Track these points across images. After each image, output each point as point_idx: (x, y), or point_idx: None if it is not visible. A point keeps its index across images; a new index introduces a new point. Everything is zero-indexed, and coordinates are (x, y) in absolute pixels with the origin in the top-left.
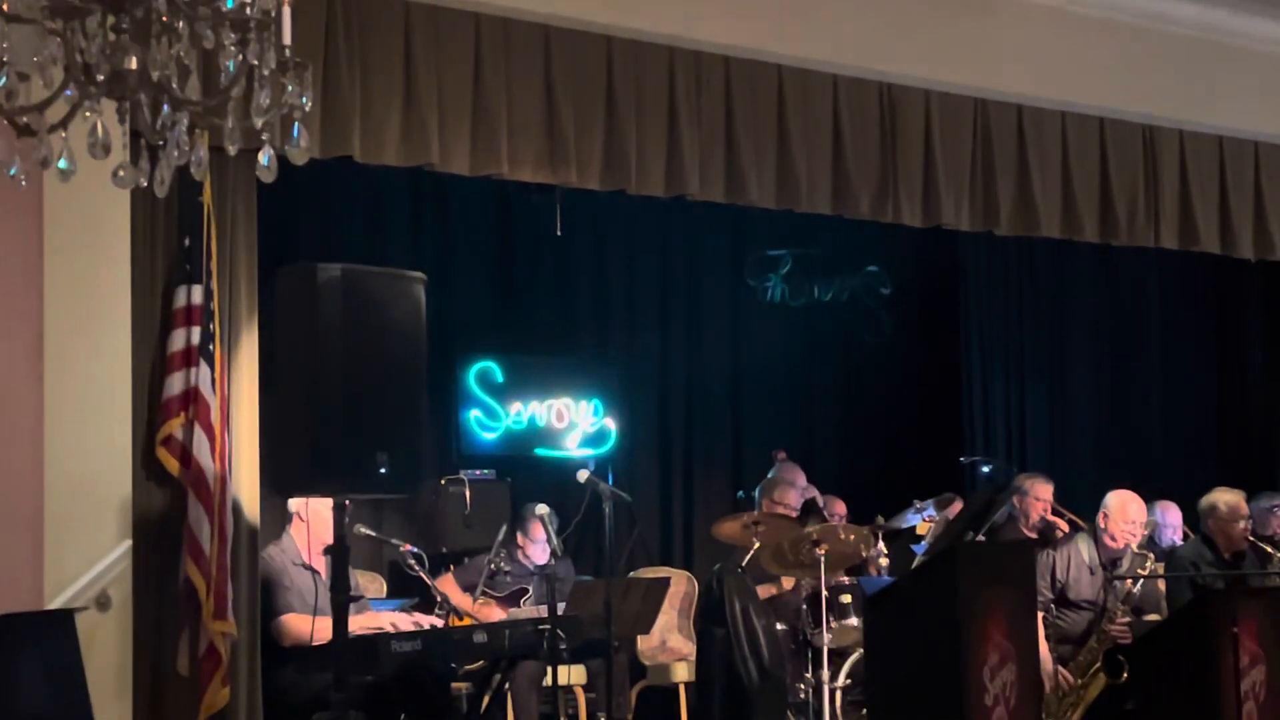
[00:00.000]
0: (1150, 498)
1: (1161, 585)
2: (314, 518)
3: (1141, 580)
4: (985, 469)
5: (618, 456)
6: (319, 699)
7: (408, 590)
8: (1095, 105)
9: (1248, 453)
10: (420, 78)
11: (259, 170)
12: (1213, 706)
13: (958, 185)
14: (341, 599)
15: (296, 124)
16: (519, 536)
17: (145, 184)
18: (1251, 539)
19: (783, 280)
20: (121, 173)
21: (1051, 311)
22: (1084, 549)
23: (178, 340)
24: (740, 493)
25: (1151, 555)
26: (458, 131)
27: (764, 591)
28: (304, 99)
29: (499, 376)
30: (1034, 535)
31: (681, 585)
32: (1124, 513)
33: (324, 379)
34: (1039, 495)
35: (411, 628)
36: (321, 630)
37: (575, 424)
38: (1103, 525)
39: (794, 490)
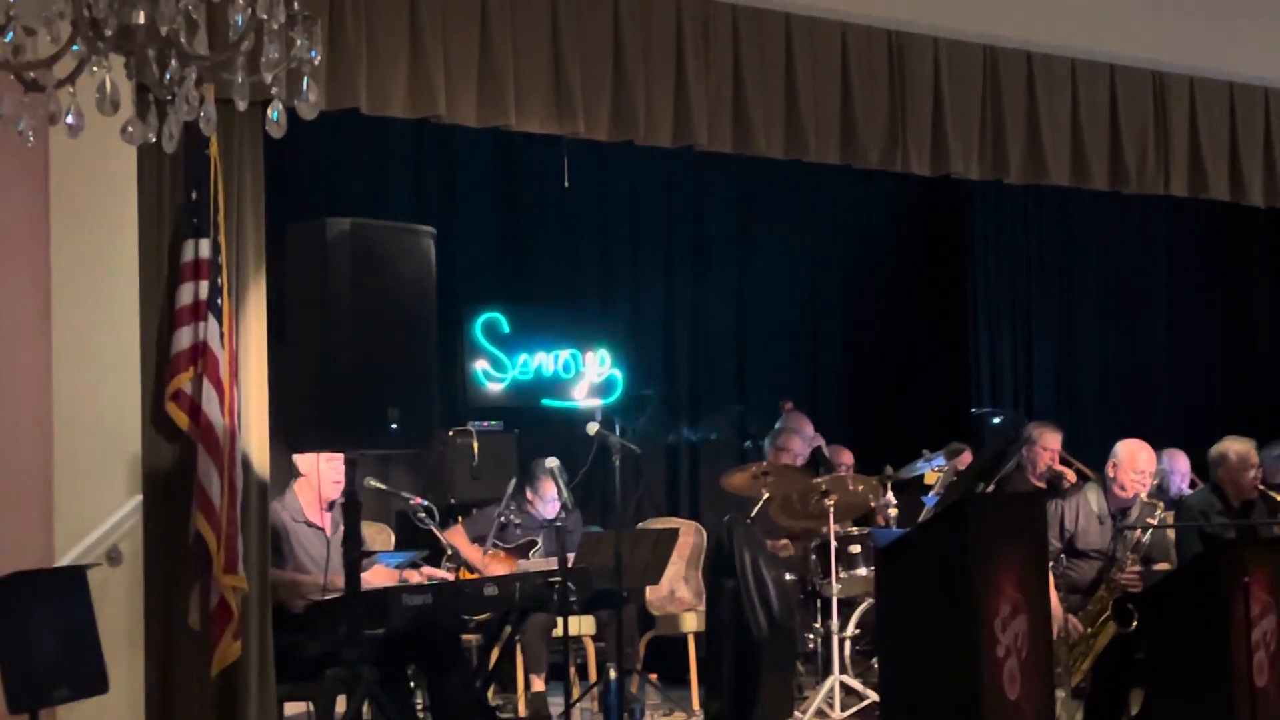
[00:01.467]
0: (1158, 446)
1: (1171, 535)
2: (315, 474)
3: (1151, 529)
4: (996, 420)
5: (625, 407)
6: (330, 653)
7: (416, 542)
8: (1105, 52)
9: (1255, 401)
10: (426, 28)
11: (269, 125)
12: (1223, 656)
13: (966, 134)
14: (354, 554)
15: (306, 78)
16: (528, 492)
17: (154, 139)
18: (1262, 488)
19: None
20: (130, 128)
21: (1059, 262)
22: (1093, 499)
23: (186, 295)
24: (748, 443)
25: (1161, 504)
26: (464, 83)
27: (780, 547)
28: (313, 53)
29: (505, 328)
30: (1042, 484)
31: (689, 536)
32: (1133, 462)
33: (334, 334)
34: (1047, 444)
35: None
36: (318, 584)
37: (582, 374)
38: (1112, 475)
39: (798, 438)
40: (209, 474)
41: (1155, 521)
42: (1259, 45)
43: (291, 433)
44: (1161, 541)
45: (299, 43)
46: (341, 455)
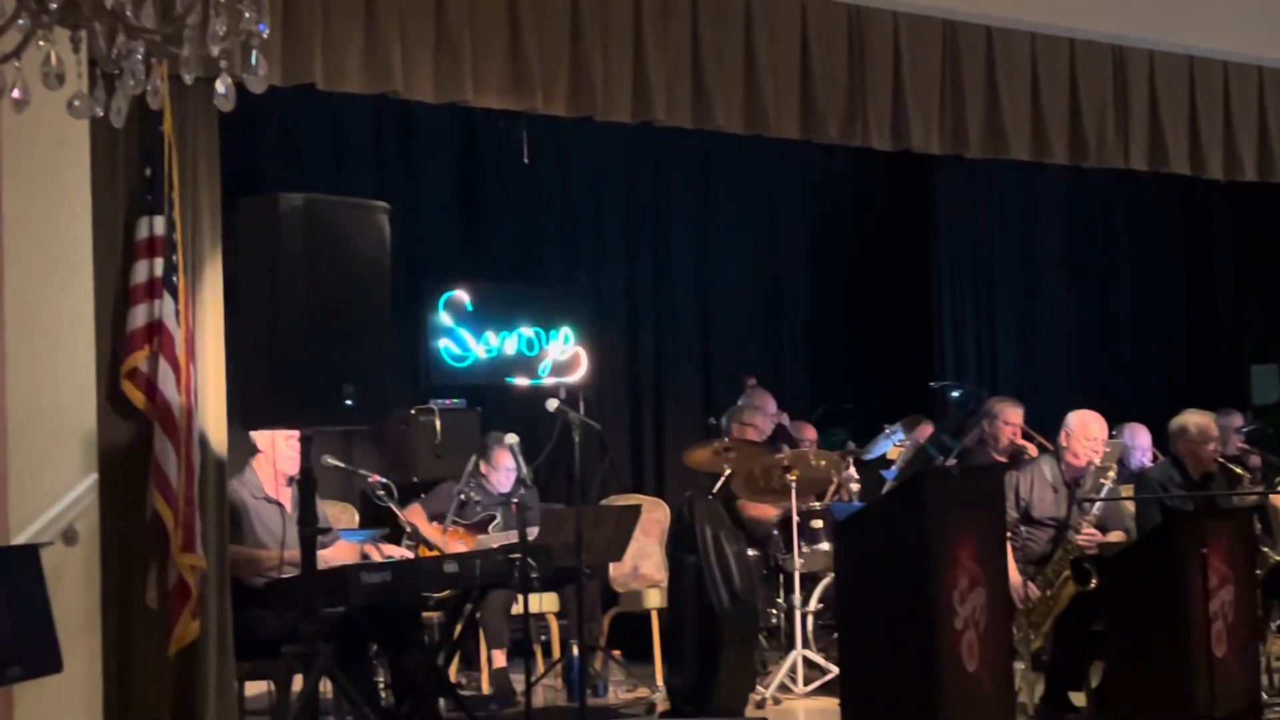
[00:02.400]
0: (1121, 420)
1: (1131, 507)
2: (274, 451)
3: (1104, 494)
4: (955, 393)
5: (588, 384)
6: (288, 631)
7: (379, 521)
8: (1064, 26)
9: (1215, 374)
10: (382, 3)
11: (216, 99)
12: (1182, 627)
13: (926, 108)
14: (310, 531)
15: (255, 51)
16: (482, 465)
17: (102, 114)
18: (1221, 460)
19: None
20: (77, 102)
21: (1021, 237)
22: (1047, 469)
23: (140, 272)
24: (711, 419)
25: (1114, 467)
26: (421, 58)
27: (762, 510)
28: (261, 26)
29: (469, 306)
30: (1004, 459)
31: (653, 512)
32: (1085, 430)
33: (287, 311)
34: (1009, 419)
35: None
36: (285, 563)
37: (545, 352)
38: (1065, 444)
39: (760, 414)
40: (166, 452)
41: (1108, 483)
42: (1218, 19)
43: (245, 410)
44: (1115, 510)
45: (247, 15)
46: (298, 433)
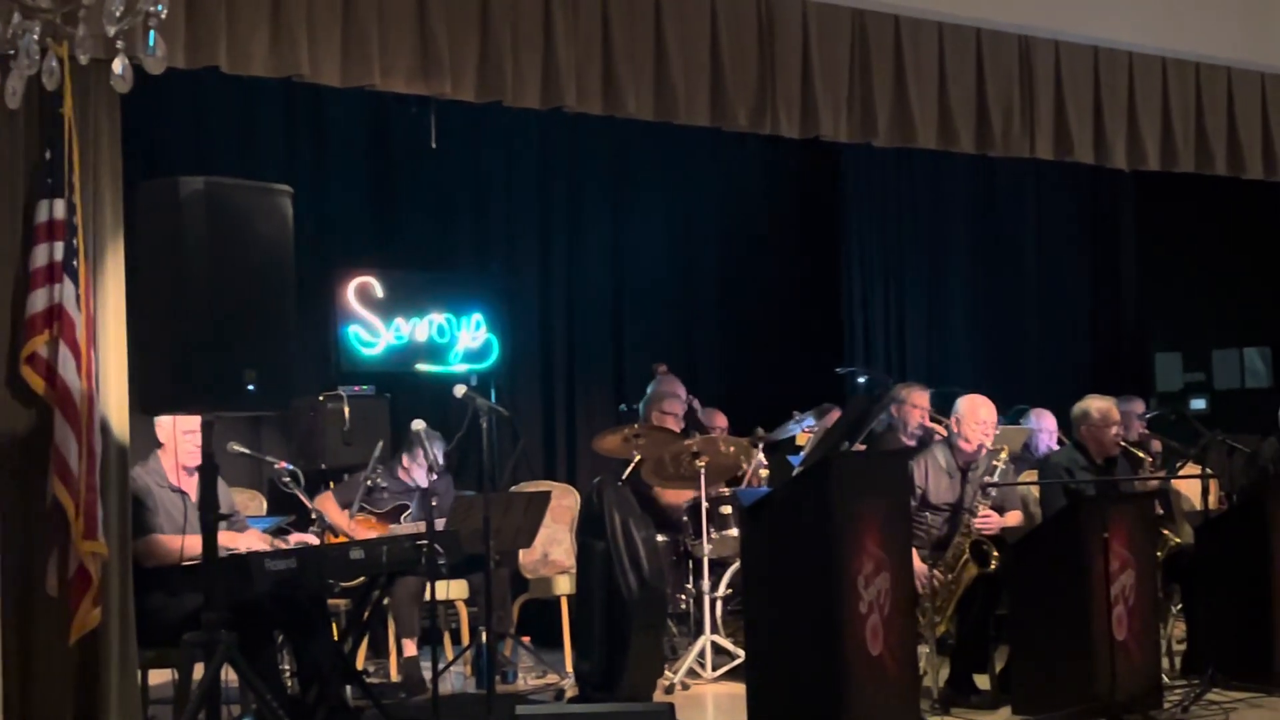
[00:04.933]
0: (1028, 405)
1: (1035, 491)
2: (174, 439)
3: (997, 477)
4: (862, 379)
5: (500, 371)
6: (190, 619)
7: (287, 508)
8: (972, 16)
9: (1120, 362)
10: None
11: (113, 80)
12: (1084, 610)
13: (835, 97)
14: (210, 518)
15: (152, 32)
16: (404, 458)
17: None
18: (1123, 444)
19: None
20: None
21: (930, 224)
22: (940, 455)
23: (40, 256)
24: (623, 406)
25: (1005, 448)
26: (328, 41)
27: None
28: (159, 6)
29: (379, 292)
30: (913, 443)
31: (564, 499)
32: (974, 414)
33: (188, 295)
34: (916, 403)
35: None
36: (189, 550)
37: (457, 339)
38: (956, 429)
39: (678, 400)
40: (66, 439)
41: (1000, 465)
42: (1123, 11)
43: (146, 395)
44: (1010, 490)
45: None
46: (199, 427)
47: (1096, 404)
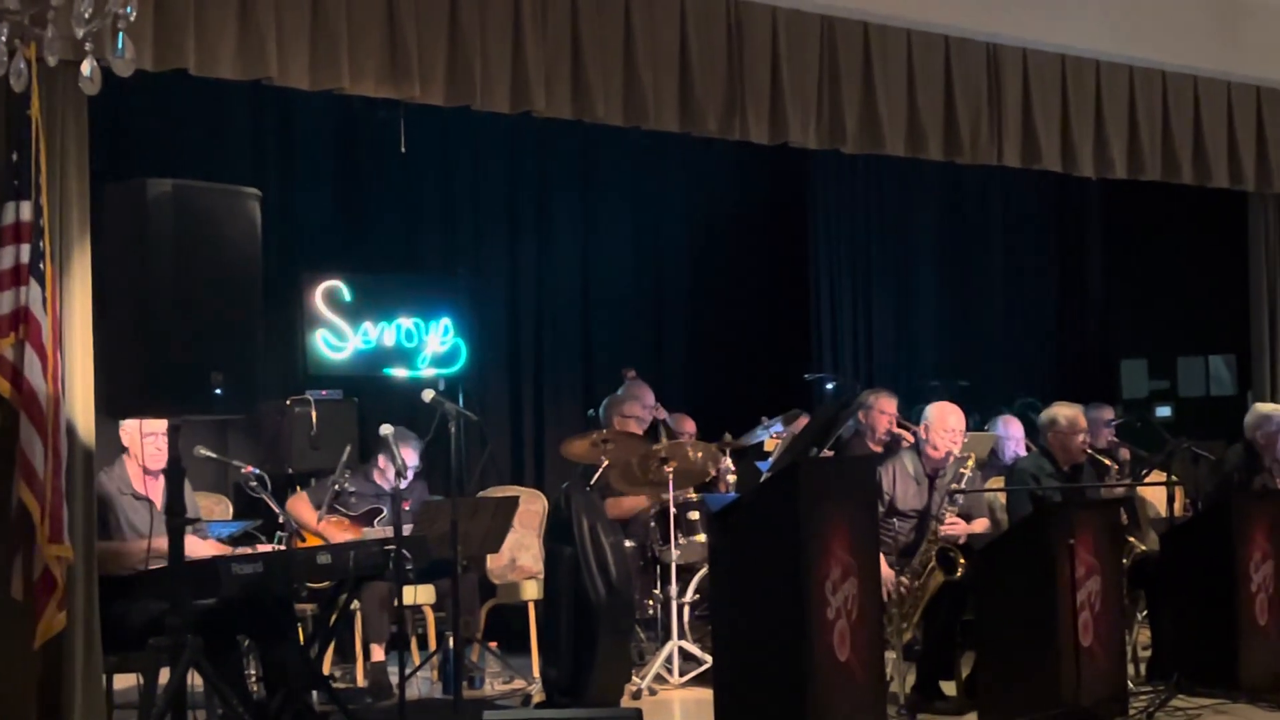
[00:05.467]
0: (995, 411)
1: (1002, 498)
2: (137, 445)
3: (965, 483)
4: (830, 385)
5: (469, 376)
6: (155, 624)
7: (254, 512)
8: (940, 23)
9: (1087, 369)
10: None
11: (81, 82)
12: (1050, 616)
13: (804, 103)
14: (177, 521)
15: (121, 34)
16: (380, 460)
17: None
18: (1090, 452)
19: None
20: None
21: (898, 232)
22: (908, 462)
23: (6, 258)
24: (591, 411)
25: (973, 455)
26: (296, 44)
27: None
28: (128, 9)
29: (347, 296)
30: (880, 449)
31: (531, 504)
32: (943, 421)
33: (155, 298)
34: (883, 409)
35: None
36: (151, 555)
37: (425, 343)
38: (924, 436)
39: (639, 405)
40: (32, 442)
41: (968, 472)
42: (1090, 19)
43: (112, 398)
44: (977, 498)
45: None
46: (163, 430)
47: (1064, 411)
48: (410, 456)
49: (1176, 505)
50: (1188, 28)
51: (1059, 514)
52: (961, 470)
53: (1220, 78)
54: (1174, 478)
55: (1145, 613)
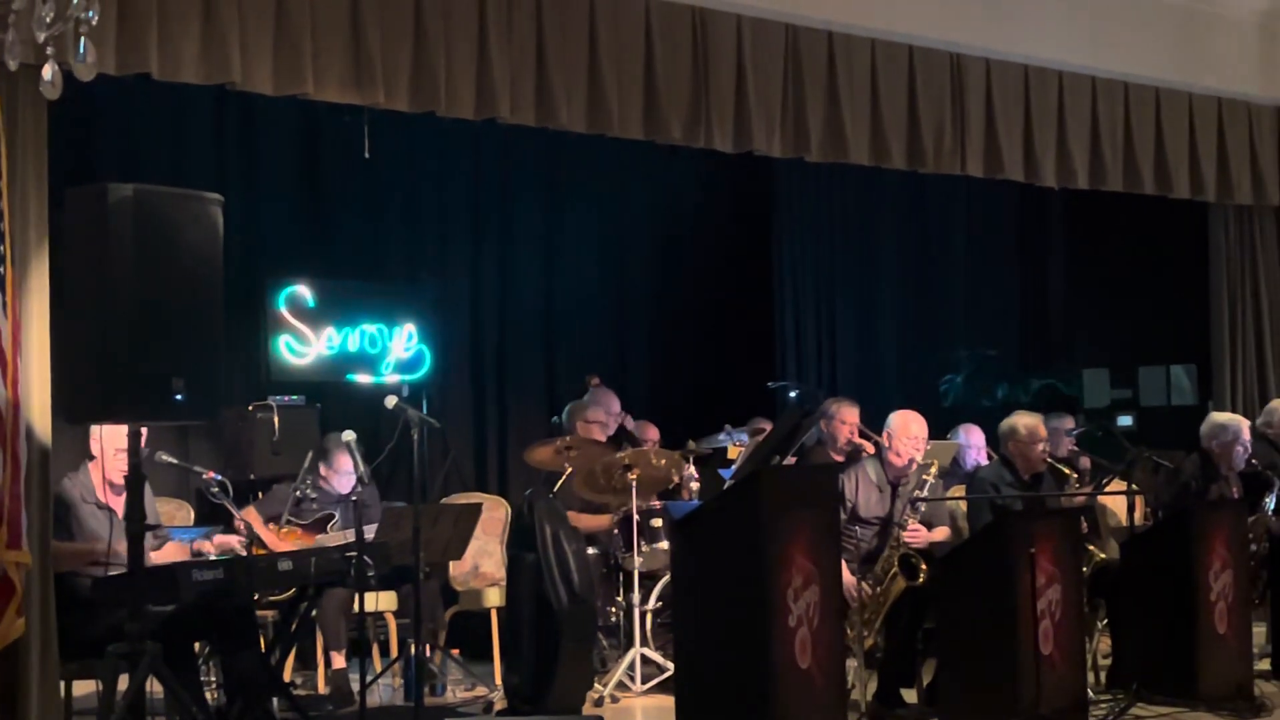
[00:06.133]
0: (955, 421)
1: (963, 506)
2: (107, 456)
3: (926, 489)
4: (793, 393)
5: (432, 382)
6: (115, 630)
7: (216, 519)
8: (904, 33)
9: (1049, 376)
10: None
11: (42, 86)
12: (1010, 625)
13: (769, 111)
14: (137, 528)
15: (83, 38)
16: (322, 467)
17: None
18: (1049, 460)
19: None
20: None
21: (861, 241)
22: (871, 469)
23: None
24: (555, 418)
25: (935, 462)
26: (260, 49)
27: (590, 521)
28: (90, 13)
29: (310, 301)
30: (842, 458)
31: (495, 510)
32: (906, 429)
33: (116, 303)
34: (845, 418)
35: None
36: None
37: (389, 349)
38: (887, 444)
39: (603, 411)
40: None
41: (930, 479)
42: (1053, 30)
43: (72, 404)
44: (939, 506)
45: (75, 1)
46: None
47: (1024, 420)
48: (346, 463)
49: (1137, 514)
50: (1150, 39)
51: (1019, 523)
52: (924, 478)
53: (1182, 89)
54: (1134, 487)
55: (1105, 621)
